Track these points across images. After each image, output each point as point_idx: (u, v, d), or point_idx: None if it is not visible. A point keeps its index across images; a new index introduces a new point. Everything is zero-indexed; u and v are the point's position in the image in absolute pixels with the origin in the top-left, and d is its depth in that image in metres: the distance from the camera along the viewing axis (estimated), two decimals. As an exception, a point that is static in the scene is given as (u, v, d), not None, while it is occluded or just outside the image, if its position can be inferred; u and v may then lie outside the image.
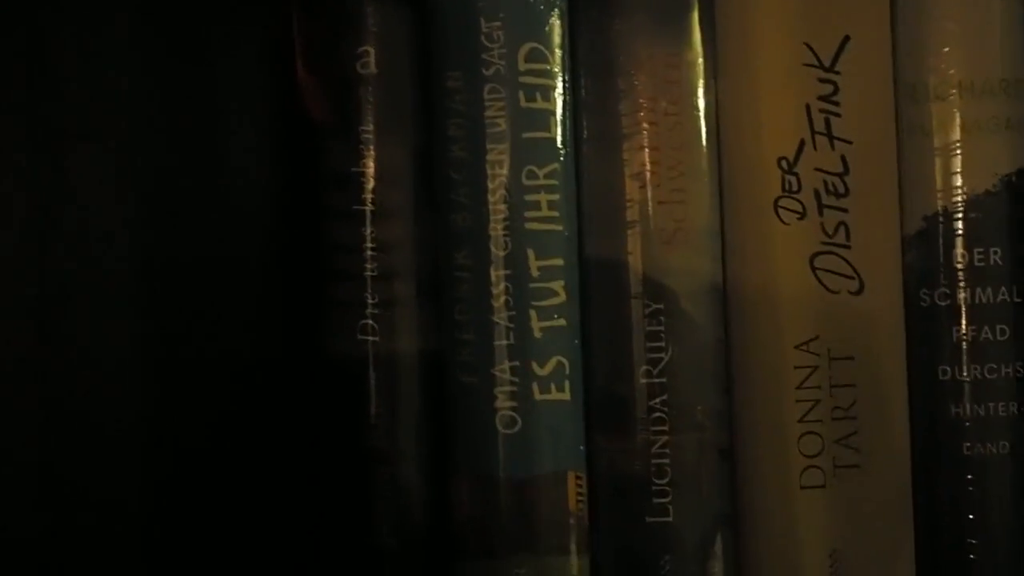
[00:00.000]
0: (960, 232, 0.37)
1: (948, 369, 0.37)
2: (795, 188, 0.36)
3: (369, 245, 0.37)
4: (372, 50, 0.37)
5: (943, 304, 0.37)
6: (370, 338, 0.37)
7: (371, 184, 0.37)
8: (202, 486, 0.33)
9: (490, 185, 0.36)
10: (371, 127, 0.37)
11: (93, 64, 0.28)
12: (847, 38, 0.36)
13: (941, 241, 0.37)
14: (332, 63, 0.37)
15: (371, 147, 0.37)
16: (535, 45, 0.36)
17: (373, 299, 0.37)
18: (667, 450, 0.36)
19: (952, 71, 0.37)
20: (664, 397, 0.36)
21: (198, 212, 0.32)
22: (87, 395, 0.29)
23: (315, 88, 0.37)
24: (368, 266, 0.37)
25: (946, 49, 0.37)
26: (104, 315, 0.29)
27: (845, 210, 0.36)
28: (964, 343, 0.37)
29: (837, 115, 0.36)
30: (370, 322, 0.37)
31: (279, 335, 0.35)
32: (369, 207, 0.37)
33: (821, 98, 0.36)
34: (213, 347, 0.33)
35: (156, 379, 0.31)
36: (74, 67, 0.28)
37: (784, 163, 0.36)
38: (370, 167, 0.37)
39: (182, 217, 0.32)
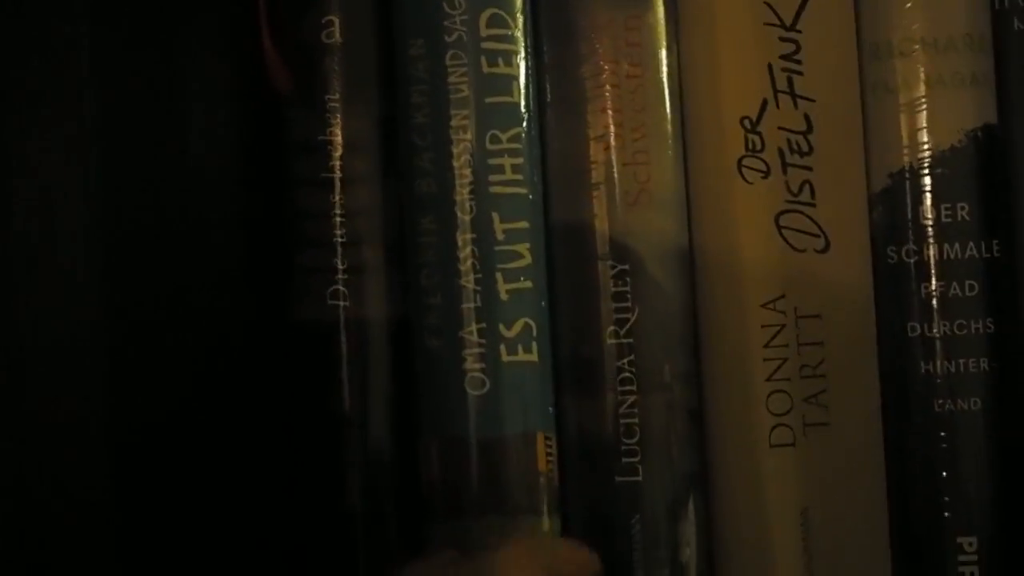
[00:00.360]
0: (927, 188, 0.37)
1: (917, 326, 0.37)
2: (758, 147, 0.36)
3: (338, 212, 0.37)
4: (337, 19, 0.37)
5: (911, 261, 0.37)
6: (340, 303, 0.37)
7: (338, 152, 0.37)
8: (172, 451, 0.33)
9: (454, 150, 0.36)
10: (337, 96, 0.37)
11: (50, 36, 0.29)
12: (807, -4, 0.36)
13: (908, 198, 0.37)
14: (297, 33, 0.37)
15: (337, 116, 0.37)
16: (496, 11, 0.36)
17: (343, 265, 0.37)
18: (635, 410, 0.36)
19: (915, 26, 0.37)
20: (631, 357, 0.36)
21: (162, 183, 0.33)
22: (55, 363, 0.30)
23: (280, 58, 0.37)
24: (337, 232, 0.37)
25: (908, 5, 0.36)
26: (69, 284, 0.29)
27: (809, 168, 0.36)
28: (933, 300, 0.37)
29: (799, 73, 0.36)
30: (340, 287, 0.37)
31: (248, 302, 0.36)
32: (337, 175, 0.37)
33: (783, 57, 0.36)
34: (182, 316, 0.34)
35: (124, 349, 0.31)
36: (30, 37, 0.28)
37: (747, 122, 0.36)
38: (337, 135, 0.37)
39: (147, 188, 0.32)
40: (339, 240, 0.37)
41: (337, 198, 0.37)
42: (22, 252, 0.28)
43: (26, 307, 0.29)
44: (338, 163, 0.37)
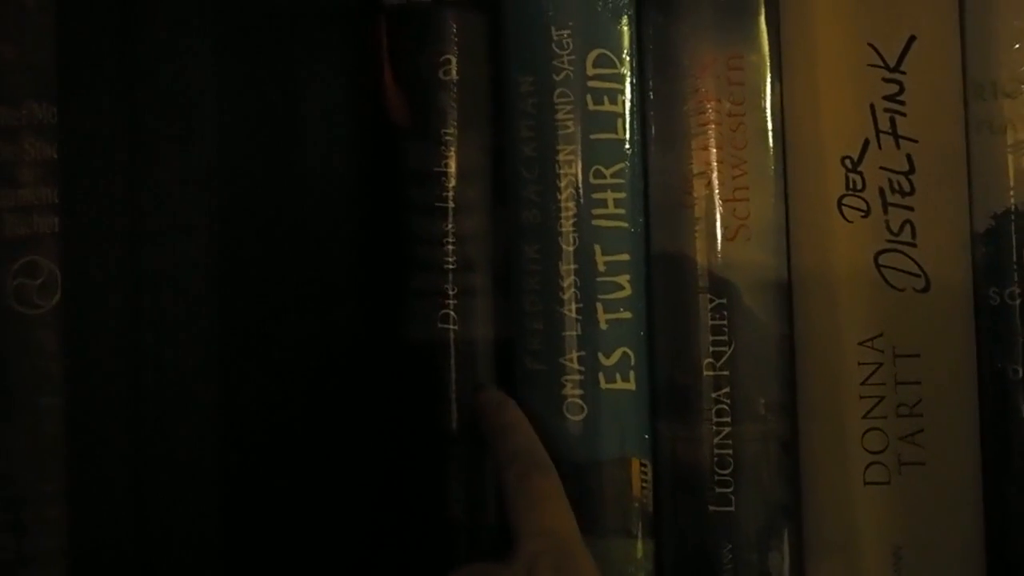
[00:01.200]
0: (1032, 230, 0.37)
1: (1020, 369, 0.37)
2: (859, 186, 0.37)
3: (449, 239, 0.39)
4: (453, 57, 0.39)
5: (1014, 303, 0.37)
6: (450, 327, 0.39)
7: (452, 182, 0.39)
8: (282, 463, 0.36)
9: (559, 184, 0.38)
10: (452, 129, 0.39)
11: (184, 69, 0.31)
12: (912, 38, 0.37)
13: (1013, 239, 0.37)
14: (416, 70, 0.39)
15: (452, 147, 0.39)
16: (603, 51, 0.38)
17: (453, 289, 0.39)
18: (729, 441, 0.37)
19: (1022, 68, 0.36)
20: (727, 389, 0.37)
21: (281, 208, 0.35)
22: (179, 376, 0.32)
23: (399, 93, 0.39)
24: (448, 259, 0.39)
25: (1016, 46, 0.36)
26: (193, 304, 0.31)
27: (911, 208, 0.37)
28: (1037, 342, 0.37)
29: (902, 114, 0.37)
30: (450, 311, 0.39)
31: (361, 323, 0.38)
32: (450, 203, 0.39)
33: (886, 97, 0.37)
34: (296, 335, 0.36)
35: (243, 366, 0.33)
36: (165, 70, 0.30)
37: (848, 162, 0.37)
38: (451, 166, 0.39)
39: (265, 213, 0.34)
40: (450, 266, 0.39)
41: (449, 225, 0.39)
42: (149, 279, 0.30)
43: (150, 330, 0.30)
44: (451, 192, 0.39)
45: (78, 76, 0.30)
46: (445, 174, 0.39)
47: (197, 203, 0.31)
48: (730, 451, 0.37)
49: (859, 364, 0.37)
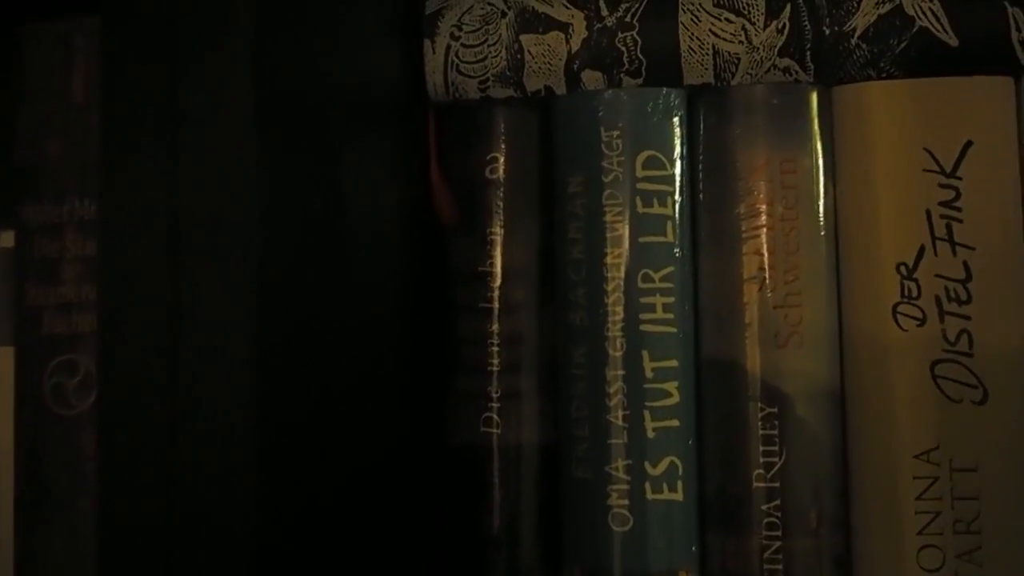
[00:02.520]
0: (1095, 342, 0.36)
1: (1082, 485, 0.36)
2: (915, 294, 0.36)
3: (494, 340, 0.38)
4: (501, 156, 0.39)
5: (1076, 416, 0.36)
6: (493, 430, 0.38)
7: (497, 282, 0.38)
8: (327, 566, 0.35)
9: (607, 287, 0.37)
10: (498, 228, 0.38)
11: (228, 166, 0.31)
12: (969, 143, 0.36)
13: (1074, 351, 0.36)
14: (464, 168, 0.39)
15: (498, 247, 0.38)
16: (653, 153, 0.37)
17: (496, 392, 0.38)
18: (780, 555, 0.36)
19: (1082, 177, 0.36)
20: (778, 501, 0.36)
21: (328, 308, 0.34)
22: (216, 482, 0.31)
23: (447, 192, 0.39)
24: (492, 360, 0.38)
25: (1076, 154, 0.36)
26: (232, 407, 0.31)
27: (968, 317, 0.36)
28: (1100, 457, 0.35)
29: (959, 220, 0.36)
30: (493, 415, 0.38)
31: (404, 423, 0.37)
32: (495, 304, 0.38)
33: (942, 203, 0.36)
34: (341, 434, 0.35)
35: (283, 468, 0.33)
36: (208, 167, 0.30)
37: (903, 269, 0.36)
38: (497, 266, 0.38)
39: (313, 313, 0.34)
40: (494, 368, 0.38)
41: (494, 326, 0.38)
42: (189, 371, 0.30)
43: (187, 435, 0.30)
44: (496, 292, 0.38)
45: (120, 173, 0.30)
46: (490, 274, 0.39)
47: (238, 303, 0.30)
48: (781, 566, 0.36)
49: (914, 478, 0.36)
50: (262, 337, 0.30)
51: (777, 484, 0.36)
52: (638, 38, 0.37)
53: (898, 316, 0.36)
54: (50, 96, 0.37)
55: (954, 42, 0.36)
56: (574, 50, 0.38)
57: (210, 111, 0.30)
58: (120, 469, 0.31)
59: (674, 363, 0.37)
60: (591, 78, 0.38)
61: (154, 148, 0.30)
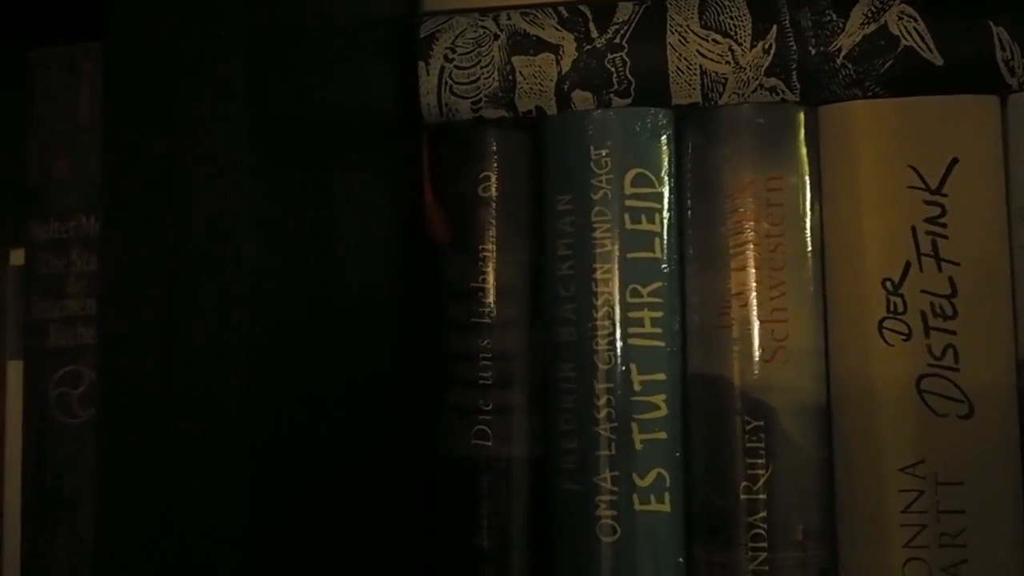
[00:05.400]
0: (1081, 357, 0.36)
1: (1069, 500, 0.36)
2: (900, 309, 0.36)
3: (486, 355, 0.39)
4: (493, 175, 0.39)
5: (1062, 431, 0.36)
6: (484, 443, 0.39)
7: (489, 298, 0.39)
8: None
9: (596, 302, 0.38)
10: (490, 245, 0.39)
11: (223, 185, 0.31)
12: (955, 160, 0.36)
13: (1060, 366, 0.36)
14: (456, 187, 0.40)
15: (490, 264, 0.39)
16: (641, 170, 0.38)
17: (487, 406, 0.39)
18: (766, 567, 0.36)
19: (1067, 193, 0.36)
20: (763, 514, 0.36)
21: (321, 324, 0.35)
22: (209, 495, 0.32)
23: (440, 210, 0.40)
24: (483, 375, 0.39)
25: (1061, 171, 0.36)
26: (225, 421, 0.32)
27: (954, 332, 0.36)
28: (1087, 473, 0.35)
29: (944, 237, 0.36)
30: (485, 428, 0.39)
31: (397, 438, 0.38)
32: (487, 320, 0.39)
33: (928, 220, 0.36)
34: (333, 448, 0.36)
35: (276, 480, 0.33)
36: (205, 193, 0.31)
37: (889, 284, 0.36)
38: (488, 282, 0.39)
39: (306, 329, 0.34)
40: (486, 382, 0.39)
41: (485, 341, 0.39)
42: (182, 396, 0.30)
43: (181, 446, 0.31)
44: (488, 308, 0.39)
45: (120, 191, 0.31)
46: (483, 290, 0.39)
47: (233, 316, 0.31)
48: (767, 578, 0.36)
49: (900, 491, 0.36)
50: (256, 350, 0.31)
51: (763, 496, 0.37)
52: (627, 59, 0.38)
53: (884, 331, 0.37)
54: (58, 118, 0.38)
55: (939, 61, 0.37)
56: (564, 71, 0.39)
57: (206, 133, 0.31)
58: (117, 478, 0.32)
59: (662, 376, 0.37)
60: (581, 98, 0.39)
61: (152, 168, 0.32)
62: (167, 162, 0.31)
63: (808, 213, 0.37)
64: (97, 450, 0.31)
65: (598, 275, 0.38)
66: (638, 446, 0.37)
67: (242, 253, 0.30)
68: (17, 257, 0.40)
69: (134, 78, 0.32)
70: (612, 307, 0.38)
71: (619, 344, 0.37)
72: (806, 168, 0.38)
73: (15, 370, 0.40)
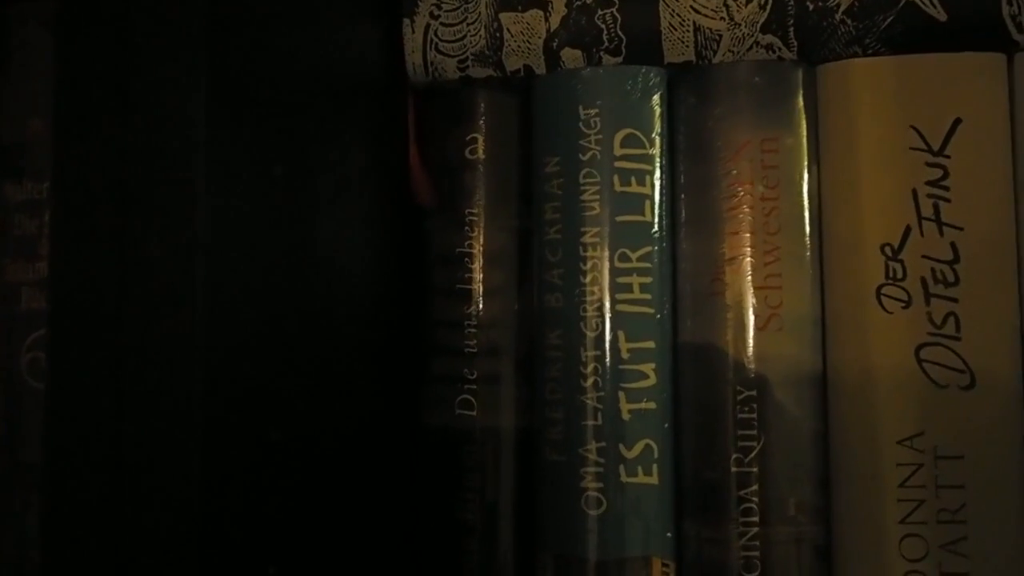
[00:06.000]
0: (1089, 326, 0.34)
1: (1075, 474, 0.34)
2: (900, 275, 0.35)
3: (472, 323, 0.38)
4: (480, 137, 0.38)
5: (1068, 403, 0.34)
6: (470, 413, 0.38)
7: (476, 264, 0.38)
8: (301, 549, 0.34)
9: (583, 267, 0.36)
10: (477, 210, 0.38)
11: (178, 140, 0.30)
12: (958, 120, 0.35)
13: (1067, 335, 0.34)
14: (443, 149, 0.39)
15: (477, 229, 0.38)
16: (631, 131, 0.36)
17: (472, 375, 0.38)
18: (757, 543, 0.35)
19: (1076, 154, 0.34)
20: (755, 487, 0.35)
21: (295, 289, 0.34)
22: (162, 454, 0.31)
23: (426, 173, 0.39)
24: (468, 343, 0.38)
25: (1070, 131, 0.34)
26: (181, 384, 0.31)
27: (955, 300, 0.34)
28: (1094, 446, 0.34)
29: (947, 200, 0.35)
30: (471, 397, 0.38)
31: (379, 407, 0.37)
32: (473, 285, 0.38)
33: (929, 183, 0.35)
34: (312, 416, 0.35)
35: (241, 442, 0.32)
36: (158, 137, 0.30)
37: (888, 249, 0.35)
38: (476, 248, 0.38)
39: (277, 293, 0.33)
40: (470, 350, 0.38)
41: (472, 308, 0.38)
42: (136, 358, 0.29)
43: (134, 405, 0.29)
44: (475, 274, 0.38)
45: (72, 148, 0.30)
46: (469, 255, 0.38)
47: (185, 268, 0.30)
48: (758, 553, 0.35)
49: (897, 465, 0.34)
50: (216, 304, 0.30)
51: (755, 469, 0.35)
52: (618, 15, 0.37)
53: (882, 298, 0.35)
54: (34, 76, 0.37)
55: (943, 17, 0.35)
56: (553, 28, 0.37)
57: (162, 78, 0.30)
58: (66, 440, 0.30)
59: (651, 344, 0.36)
60: (571, 56, 0.37)
61: (105, 121, 0.30)
62: (120, 110, 0.30)
63: (805, 176, 0.36)
64: (46, 407, 0.30)
65: (586, 239, 0.37)
66: (625, 416, 0.36)
67: (197, 200, 0.29)
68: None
69: (88, 19, 0.31)
70: (600, 272, 0.36)
71: (607, 311, 0.36)
72: (803, 129, 0.36)
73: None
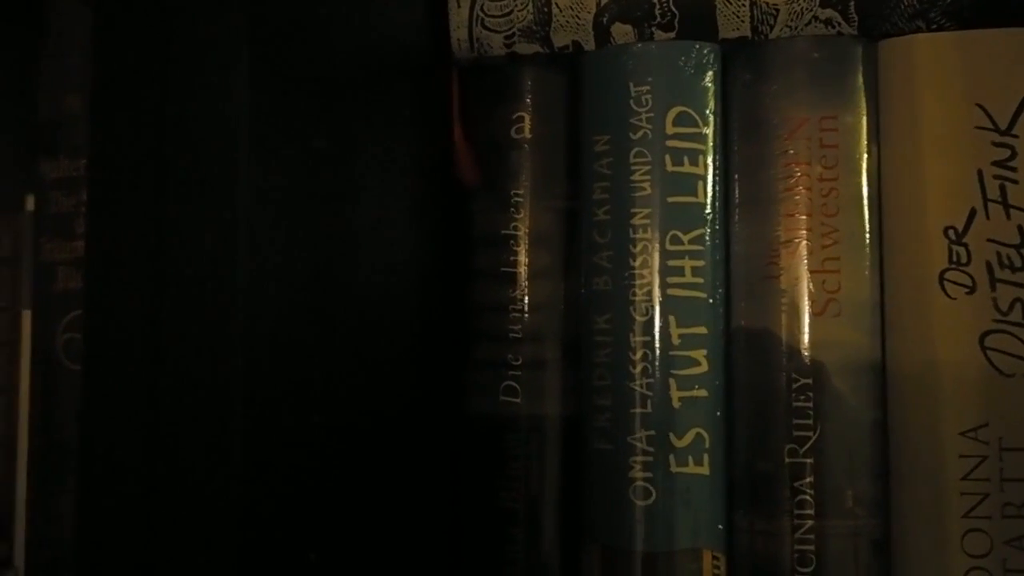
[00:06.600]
0: None
1: None
2: (964, 260, 0.33)
3: (516, 307, 0.37)
4: (527, 115, 0.37)
5: None
6: (514, 400, 0.37)
7: (521, 246, 0.37)
8: (346, 538, 0.34)
9: (633, 249, 0.35)
10: (523, 190, 0.37)
11: (219, 120, 0.30)
12: (1027, 99, 0.33)
13: None
14: (488, 128, 0.38)
15: (523, 210, 0.37)
16: (684, 109, 0.35)
17: (516, 360, 0.37)
18: (812, 536, 0.34)
19: None
20: (810, 479, 0.34)
21: (336, 273, 0.33)
22: (202, 442, 0.30)
23: (470, 152, 0.38)
24: (513, 327, 0.37)
25: None
26: (219, 370, 0.30)
27: (1022, 285, 0.33)
28: None
29: (1014, 181, 0.33)
30: (514, 383, 0.37)
31: (422, 394, 0.36)
32: (518, 268, 0.37)
33: (996, 163, 0.33)
34: (355, 403, 0.34)
35: (287, 429, 0.31)
36: (198, 114, 0.29)
37: (952, 233, 0.34)
38: (521, 229, 0.37)
39: (319, 277, 0.33)
40: (514, 335, 0.37)
41: (517, 292, 0.37)
42: (171, 336, 0.29)
43: (169, 389, 0.29)
44: (520, 257, 0.37)
45: (110, 124, 0.29)
46: (514, 237, 0.37)
47: (226, 246, 0.29)
48: (813, 547, 0.34)
49: (960, 457, 0.33)
50: (258, 282, 0.29)
51: (810, 460, 0.34)
52: (670, -11, 0.36)
53: (945, 283, 0.34)
54: (71, 52, 0.37)
55: (1011, -10, 0.34)
56: (603, 2, 0.36)
57: (202, 60, 0.29)
58: (102, 422, 0.29)
59: (703, 330, 0.35)
60: (621, 32, 0.36)
61: (144, 97, 0.30)
62: (159, 85, 0.29)
63: (865, 155, 0.35)
64: (82, 388, 0.29)
65: (636, 220, 0.35)
66: (676, 404, 0.35)
67: (238, 177, 0.28)
68: (32, 203, 0.39)
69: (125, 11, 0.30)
70: (650, 255, 0.35)
71: (657, 295, 0.35)
72: (863, 107, 0.35)
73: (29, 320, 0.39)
